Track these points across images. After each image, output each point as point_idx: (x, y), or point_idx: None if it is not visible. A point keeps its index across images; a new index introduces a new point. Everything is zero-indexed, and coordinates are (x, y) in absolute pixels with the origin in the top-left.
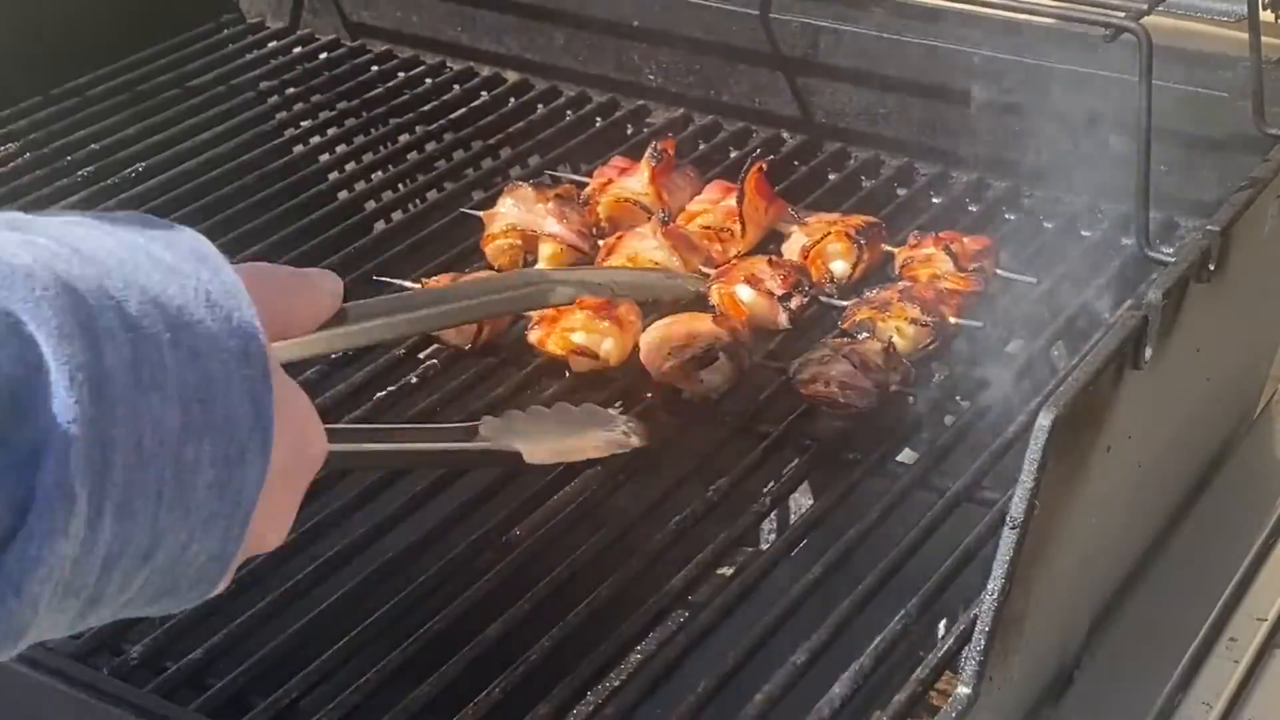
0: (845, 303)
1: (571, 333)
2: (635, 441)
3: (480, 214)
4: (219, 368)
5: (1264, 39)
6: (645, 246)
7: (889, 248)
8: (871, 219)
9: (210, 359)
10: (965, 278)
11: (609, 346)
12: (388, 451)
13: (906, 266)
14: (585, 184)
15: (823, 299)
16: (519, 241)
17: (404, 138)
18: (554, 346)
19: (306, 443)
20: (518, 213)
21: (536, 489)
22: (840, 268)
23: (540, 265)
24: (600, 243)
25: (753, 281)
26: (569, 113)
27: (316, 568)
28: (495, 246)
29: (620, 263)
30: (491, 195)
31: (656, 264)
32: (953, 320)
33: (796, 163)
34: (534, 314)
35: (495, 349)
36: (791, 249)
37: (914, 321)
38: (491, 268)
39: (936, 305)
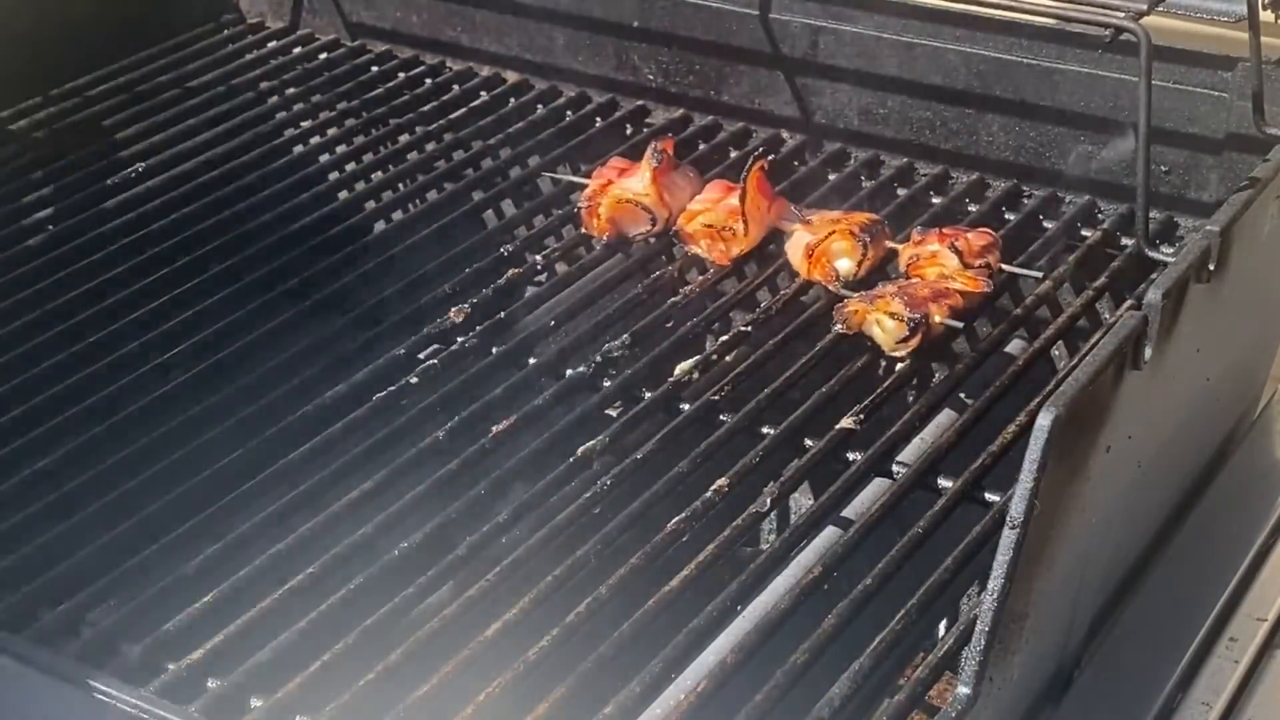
0: (852, 294)
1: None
2: None
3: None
4: None
5: (1264, 39)
6: None
7: (893, 244)
8: (875, 216)
9: None
10: (975, 278)
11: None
12: None
13: (913, 264)
14: (585, 184)
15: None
16: None
17: (404, 138)
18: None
19: None
20: None
21: (536, 489)
22: (845, 265)
23: None
24: None
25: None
26: (569, 113)
27: (316, 568)
28: None
29: None
30: (491, 195)
31: None
32: (936, 319)
33: (796, 163)
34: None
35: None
36: (794, 247)
37: (892, 315)
38: None
39: (925, 305)
